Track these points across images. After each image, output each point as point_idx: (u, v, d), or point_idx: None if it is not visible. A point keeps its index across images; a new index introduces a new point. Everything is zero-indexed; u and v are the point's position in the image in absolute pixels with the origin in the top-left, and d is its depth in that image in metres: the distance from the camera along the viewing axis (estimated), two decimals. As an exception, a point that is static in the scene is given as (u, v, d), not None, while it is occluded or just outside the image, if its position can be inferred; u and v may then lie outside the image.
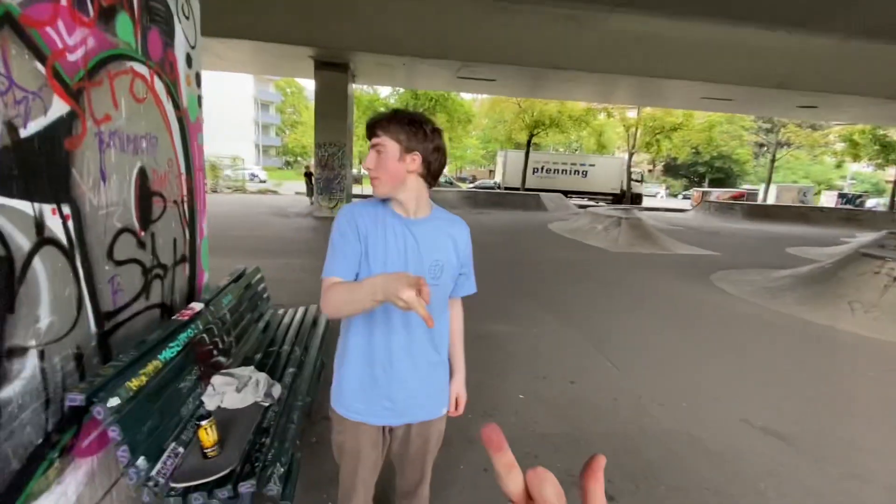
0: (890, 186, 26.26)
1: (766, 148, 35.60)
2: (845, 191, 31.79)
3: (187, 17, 2.33)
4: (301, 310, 3.40)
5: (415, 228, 1.24)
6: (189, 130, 2.42)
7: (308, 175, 16.59)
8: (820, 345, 4.44)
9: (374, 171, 1.18)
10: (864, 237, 11.05)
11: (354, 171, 19.08)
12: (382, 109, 1.29)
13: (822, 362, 3.99)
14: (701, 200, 24.08)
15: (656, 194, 35.84)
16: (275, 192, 21.42)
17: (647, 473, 2.34)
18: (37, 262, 1.36)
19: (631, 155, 25.30)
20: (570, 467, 2.33)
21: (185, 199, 2.42)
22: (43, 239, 1.39)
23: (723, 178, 42.02)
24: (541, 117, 23.10)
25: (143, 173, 1.95)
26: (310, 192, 16.05)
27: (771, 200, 27.47)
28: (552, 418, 2.82)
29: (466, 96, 25.55)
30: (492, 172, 38.07)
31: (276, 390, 2.09)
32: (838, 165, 34.83)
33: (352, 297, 1.06)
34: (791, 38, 9.53)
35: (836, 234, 14.64)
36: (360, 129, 21.48)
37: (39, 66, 1.34)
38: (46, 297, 1.41)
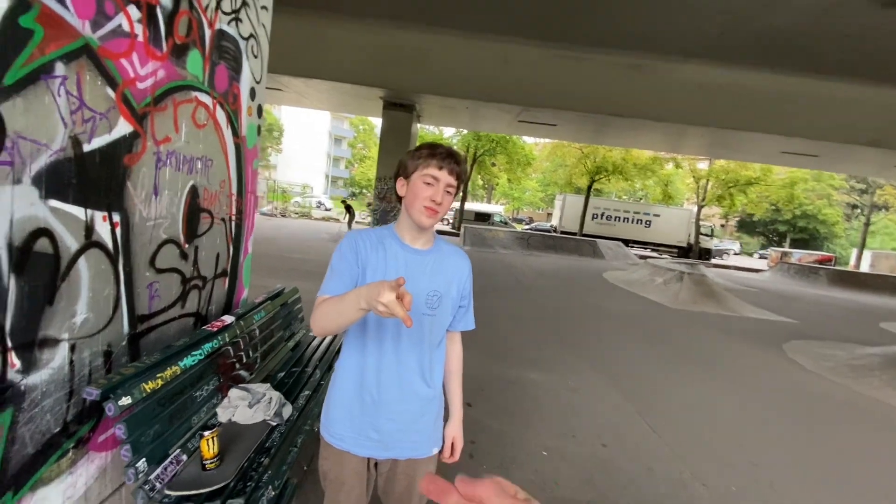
0: None
1: (859, 209, 32.35)
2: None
3: (255, 56, 2.58)
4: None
5: (417, 257, 1.25)
6: (245, 156, 2.63)
7: (347, 206, 17.93)
8: (915, 440, 3.77)
9: (439, 207, 1.18)
10: (983, 319, 9.49)
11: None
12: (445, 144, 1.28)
13: (916, 461, 3.37)
14: (779, 261, 22.10)
15: (729, 252, 33.31)
16: (337, 220, 22.59)
17: (678, 563, 2.04)
18: (81, 262, 1.50)
19: (700, 208, 24.00)
20: (586, 541, 2.09)
21: (234, 217, 2.59)
22: (90, 242, 1.53)
23: (807, 239, 38.43)
24: (603, 163, 22.77)
25: (194, 191, 2.13)
26: (349, 224, 17.41)
27: (864, 268, 24.61)
28: (576, 482, 2.58)
29: (528, 139, 25.88)
30: (549, 216, 37.69)
31: (287, 411, 2.10)
32: (950, 234, 30.68)
33: (337, 308, 1.05)
34: (887, 92, 8.76)
35: (946, 311, 12.72)
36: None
37: (110, 91, 1.53)
38: (85, 294, 1.54)
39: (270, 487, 1.61)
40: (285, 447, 1.86)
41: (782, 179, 23.14)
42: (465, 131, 22.42)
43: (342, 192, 47.35)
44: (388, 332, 1.22)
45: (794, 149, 12.34)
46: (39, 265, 1.34)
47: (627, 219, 25.00)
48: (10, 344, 1.28)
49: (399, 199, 1.26)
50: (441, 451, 1.41)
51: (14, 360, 1.30)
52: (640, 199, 35.77)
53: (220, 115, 2.28)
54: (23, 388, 1.35)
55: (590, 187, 23.95)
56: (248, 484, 1.61)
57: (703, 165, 23.71)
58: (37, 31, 1.24)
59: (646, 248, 24.36)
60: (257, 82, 2.65)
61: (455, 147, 21.98)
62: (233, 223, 2.59)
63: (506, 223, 26.02)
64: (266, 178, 25.65)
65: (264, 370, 2.56)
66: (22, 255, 1.28)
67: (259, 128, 2.78)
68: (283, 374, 2.63)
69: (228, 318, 2.31)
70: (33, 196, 1.29)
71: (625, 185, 28.10)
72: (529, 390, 3.79)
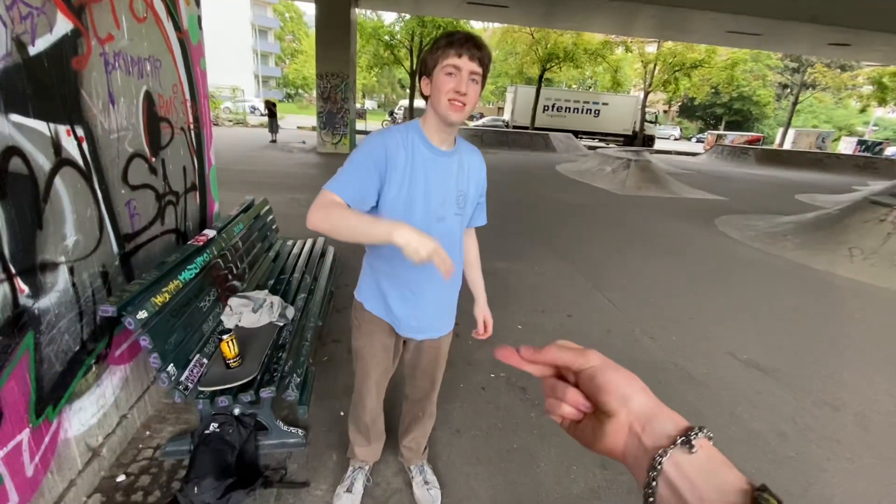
0: (914, 133, 25.26)
1: (789, 89, 33.85)
2: (866, 137, 30.56)
3: (182, -73, 2.18)
4: (309, 242, 3.49)
5: (444, 159, 1.25)
6: (191, 54, 2.36)
7: (270, 108, 14.82)
8: (813, 288, 4.55)
9: (465, 99, 1.12)
10: (877, 185, 10.84)
11: (358, 105, 18.46)
12: (465, 30, 1.16)
13: (812, 304, 4.12)
14: (714, 144, 23.36)
15: (670, 136, 34.56)
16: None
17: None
18: (58, 182, 1.42)
19: (647, 94, 24.17)
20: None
21: (192, 126, 2.41)
22: (61, 160, 1.43)
23: (740, 121, 40.35)
24: (555, 49, 21.80)
25: (149, 98, 1.95)
26: (271, 128, 14.60)
27: (788, 146, 26.61)
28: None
29: (477, 25, 23.99)
30: (500, 109, 36.71)
31: (290, 312, 2.22)
32: (863, 110, 33.15)
33: (361, 228, 1.02)
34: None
35: (849, 181, 14.36)
36: (362, 60, 20.48)
37: (39, -22, 1.31)
38: (70, 216, 1.48)
39: (295, 375, 1.79)
40: (298, 342, 2.02)
41: (724, 61, 23.39)
42: (408, 17, 20.34)
43: (276, 93, 43.00)
44: (425, 231, 1.27)
45: (739, 27, 12.35)
46: (19, 187, 1.27)
47: (577, 109, 24.89)
48: (13, 270, 1.26)
49: (426, 97, 1.20)
50: (474, 330, 1.59)
51: (21, 285, 1.29)
52: (590, 87, 35.31)
53: (158, 6, 2.00)
54: (36, 311, 1.35)
55: (541, 77, 23.19)
56: (275, 375, 1.78)
57: (651, 49, 23.33)
58: None
59: (594, 139, 24.76)
60: (189, -38, 2.28)
61: (396, 36, 19.72)
62: (192, 132, 2.42)
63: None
64: (186, 81, 22.53)
65: (254, 280, 2.62)
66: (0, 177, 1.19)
67: (199, 19, 2.46)
68: (272, 281, 2.70)
69: (211, 232, 2.29)
70: (-8, 110, 1.17)
71: (575, 73, 27.41)
72: (500, 277, 4.13)
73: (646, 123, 24.34)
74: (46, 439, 1.41)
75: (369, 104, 41.78)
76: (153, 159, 2.01)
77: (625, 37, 21.39)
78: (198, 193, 2.52)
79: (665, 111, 42.67)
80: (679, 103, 39.98)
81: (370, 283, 1.41)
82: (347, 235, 1.03)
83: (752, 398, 2.60)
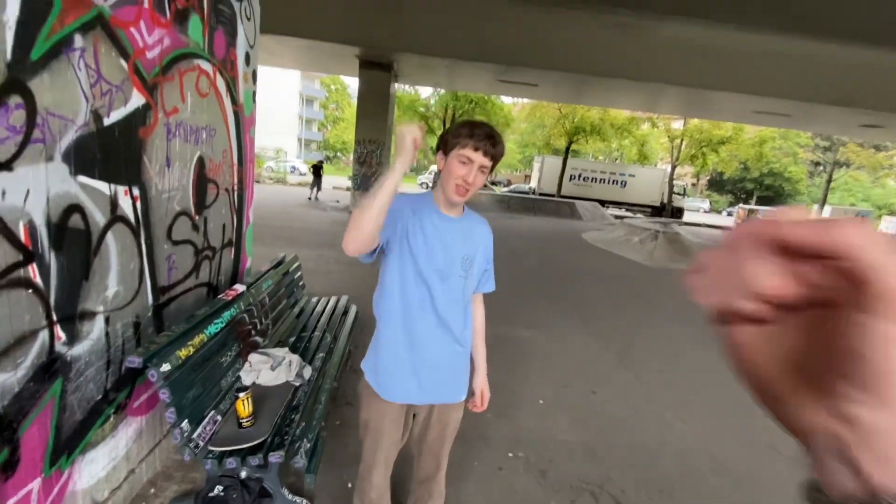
0: (961, 215, 24.26)
1: (822, 167, 33.67)
2: (909, 217, 29.48)
3: (249, 19, 2.50)
4: (333, 299, 3.54)
5: (452, 225, 1.35)
6: (243, 124, 2.59)
7: (316, 169, 15.98)
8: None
9: (470, 186, 1.25)
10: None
11: (391, 168, 19.45)
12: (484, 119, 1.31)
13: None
14: (745, 217, 23.06)
15: (699, 209, 34.44)
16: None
17: (664, 488, 2.32)
18: (109, 237, 1.53)
19: (674, 167, 24.51)
20: (584, 474, 2.34)
21: (236, 188, 2.59)
22: (115, 217, 1.55)
23: (772, 196, 39.98)
24: (581, 124, 22.76)
25: (201, 162, 2.12)
26: (313, 186, 15.64)
27: (824, 223, 25.89)
28: (571, 426, 2.83)
29: (507, 99, 25.50)
30: (528, 177, 37.80)
31: (307, 372, 2.22)
32: (903, 190, 32.43)
33: (374, 194, 1.09)
34: (858, 51, 9.01)
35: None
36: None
37: (123, 62, 1.51)
38: (115, 268, 1.58)
39: (305, 440, 1.74)
40: (312, 404, 1.99)
41: (752, 138, 23.73)
42: (443, 91, 21.89)
43: (316, 155, 45.92)
44: (428, 295, 1.32)
45: (765, 108, 12.65)
46: (74, 241, 1.37)
47: (604, 179, 25.36)
48: (55, 318, 1.33)
49: (439, 171, 1.32)
50: (470, 401, 1.56)
51: (60, 332, 1.35)
52: (616, 159, 36.19)
53: (220, 84, 2.24)
54: (69, 358, 1.41)
55: (568, 148, 24.02)
56: (285, 438, 1.74)
57: (677, 125, 24.00)
58: (56, 3, 1.21)
59: (621, 208, 24.92)
60: (251, 46, 2.58)
61: (431, 108, 21.06)
62: (235, 193, 2.59)
63: (485, 185, 26.04)
64: (236, 142, 24.51)
65: (276, 336, 2.65)
66: (59, 231, 1.30)
67: (254, 94, 2.73)
68: (293, 338, 2.72)
69: (240, 287, 2.36)
70: (64, 173, 1.31)
71: (601, 145, 28.31)
72: (522, 346, 4.02)
73: (674, 195, 24.44)
74: (55, 490, 1.40)
75: (402, 168, 43.85)
76: (196, 217, 2.15)
77: (651, 113, 22.17)
78: (233, 249, 2.64)
79: (693, 184, 42.88)
80: (708, 177, 40.21)
81: (372, 352, 1.44)
82: (371, 214, 1.09)
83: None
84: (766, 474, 2.54)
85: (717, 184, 44.04)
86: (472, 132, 1.22)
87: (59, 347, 1.36)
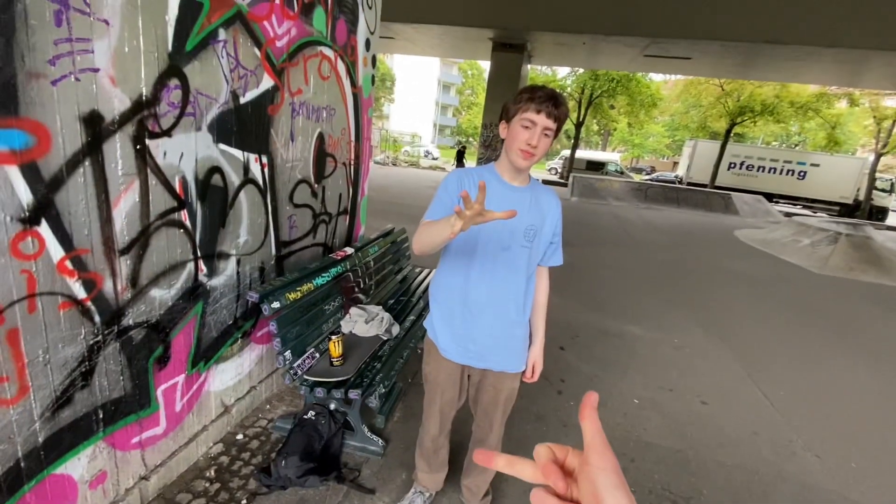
0: None
1: None
2: None
3: (370, 7, 2.74)
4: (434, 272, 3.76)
5: (515, 194, 1.35)
6: (362, 105, 2.88)
7: (460, 153, 16.95)
8: None
9: (535, 150, 1.24)
10: None
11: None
12: (545, 85, 1.29)
13: None
14: None
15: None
16: (443, 169, 23.11)
17: (769, 522, 1.99)
18: (242, 195, 1.89)
19: (879, 156, 19.39)
20: (668, 482, 2.14)
21: (353, 162, 2.91)
22: (247, 179, 1.91)
23: None
24: (750, 102, 19.32)
25: (321, 138, 2.45)
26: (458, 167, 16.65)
27: None
28: (664, 430, 2.58)
29: (656, 76, 22.98)
30: (675, 164, 33.76)
31: (395, 329, 2.44)
32: None
33: (434, 228, 1.15)
34: None
35: None
36: (532, 112, 21.38)
37: (257, 50, 1.82)
38: (246, 221, 1.95)
39: (381, 385, 1.94)
40: (393, 357, 2.20)
41: None
42: (581, 70, 20.65)
43: (448, 140, 47.70)
44: (489, 258, 1.36)
45: None
46: (215, 195, 1.74)
47: (775, 169, 21.24)
48: (199, 254, 1.71)
49: (502, 140, 1.34)
50: (524, 372, 1.57)
51: (202, 266, 1.74)
52: (796, 145, 29.98)
53: (341, 67, 2.53)
54: (208, 287, 1.80)
55: (728, 131, 20.68)
56: (365, 380, 1.97)
57: (890, 102, 18.79)
58: (205, 3, 1.52)
59: (796, 204, 20.70)
60: (371, 33, 2.84)
61: (566, 89, 20.14)
62: (351, 167, 2.91)
63: (622, 172, 23.89)
64: (379, 128, 26.91)
65: (377, 296, 2.94)
66: (203, 187, 1.67)
67: (373, 77, 3.00)
68: (392, 300, 2.99)
69: (349, 250, 2.68)
70: (209, 140, 1.66)
71: (776, 128, 23.70)
72: (628, 342, 3.74)
73: (875, 192, 19.40)
74: (195, 386, 1.84)
75: (533, 153, 43.05)
76: (315, 186, 2.49)
77: (850, 88, 17.77)
78: (348, 217, 2.99)
79: (911, 178, 33.30)
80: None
81: (433, 312, 1.52)
82: (434, 241, 1.17)
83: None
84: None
85: (951, 178, 33.44)
86: (532, 95, 1.21)
87: (201, 278, 1.75)
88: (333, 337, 2.01)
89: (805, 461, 2.46)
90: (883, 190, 19.72)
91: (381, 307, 2.61)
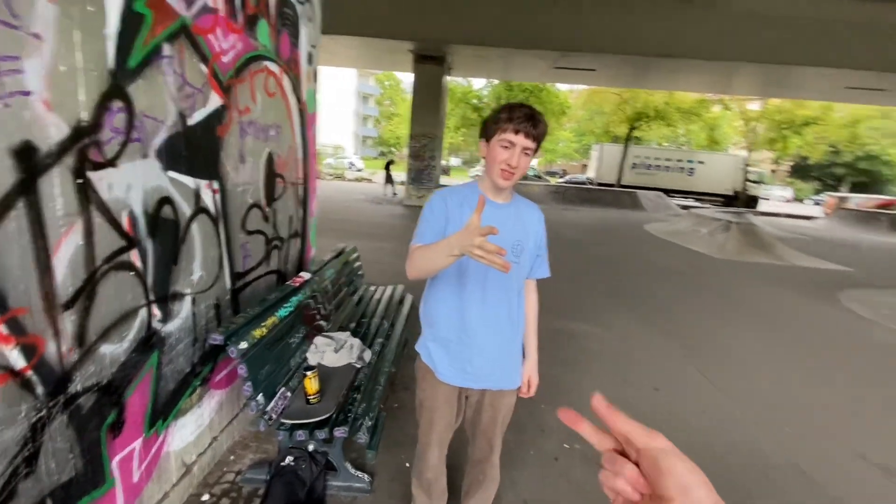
0: None
1: (932, 147, 29.44)
2: None
3: (311, 20, 2.62)
4: (390, 288, 3.66)
5: (500, 211, 1.35)
6: (307, 121, 2.74)
7: (388, 166, 16.76)
8: (980, 385, 3.69)
9: (515, 170, 1.25)
10: None
11: (443, 162, 19.57)
12: (519, 103, 1.28)
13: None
14: (836, 207, 20.74)
15: (780, 198, 31.16)
16: (369, 181, 22.78)
17: (734, 497, 2.19)
18: (194, 227, 1.69)
19: (749, 152, 22.55)
20: (644, 471, 2.27)
21: (301, 181, 2.75)
22: (199, 208, 1.71)
23: (867, 182, 35.58)
24: (644, 109, 21.58)
25: (270, 158, 2.28)
26: (388, 181, 16.35)
27: (933, 211, 22.70)
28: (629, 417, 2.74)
29: (562, 87, 24.71)
30: (584, 167, 36.47)
31: (368, 355, 2.32)
32: None
33: (428, 255, 1.14)
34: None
35: None
36: (451, 121, 21.89)
37: (203, 67, 1.65)
38: (199, 255, 1.74)
39: (367, 418, 1.83)
40: (372, 385, 2.09)
41: (843, 118, 21.28)
42: (497, 82, 21.62)
43: (371, 151, 47.25)
44: (479, 279, 1.34)
45: (858, 83, 11.27)
46: (166, 229, 1.54)
47: (669, 167, 23.83)
48: (151, 297, 1.49)
49: (483, 157, 1.33)
50: (519, 388, 1.57)
51: (156, 311, 1.52)
52: (683, 145, 33.93)
53: (286, 83, 2.38)
54: (163, 334, 1.58)
55: (628, 135, 22.87)
56: (349, 415, 1.84)
57: (753, 106, 22.05)
58: (147, 15, 1.35)
59: (688, 198, 23.35)
60: (313, 46, 2.71)
61: (483, 99, 20.84)
62: (300, 187, 2.75)
63: (539, 177, 25.42)
64: (299, 140, 25.82)
65: (338, 321, 2.79)
66: (153, 221, 1.46)
67: (315, 93, 2.86)
68: (353, 324, 2.86)
69: (306, 275, 2.52)
70: (157, 168, 1.46)
71: (667, 131, 26.65)
72: (580, 341, 3.93)
73: (749, 183, 22.53)
74: (153, 450, 1.59)
75: (455, 161, 44.03)
76: (267, 209, 2.31)
77: (723, 95, 20.53)
78: (299, 240, 2.81)
79: (773, 171, 39.21)
80: (790, 163, 36.57)
81: (426, 336, 1.48)
82: (431, 267, 1.18)
83: (895, 516, 2.11)
84: (854, 484, 2.31)
85: (800, 170, 39.95)
86: (510, 115, 1.21)
87: (155, 324, 1.53)
88: (308, 373, 1.86)
89: (749, 431, 2.74)
90: (754, 181, 22.97)
91: (348, 333, 2.47)
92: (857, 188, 34.16)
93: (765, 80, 12.76)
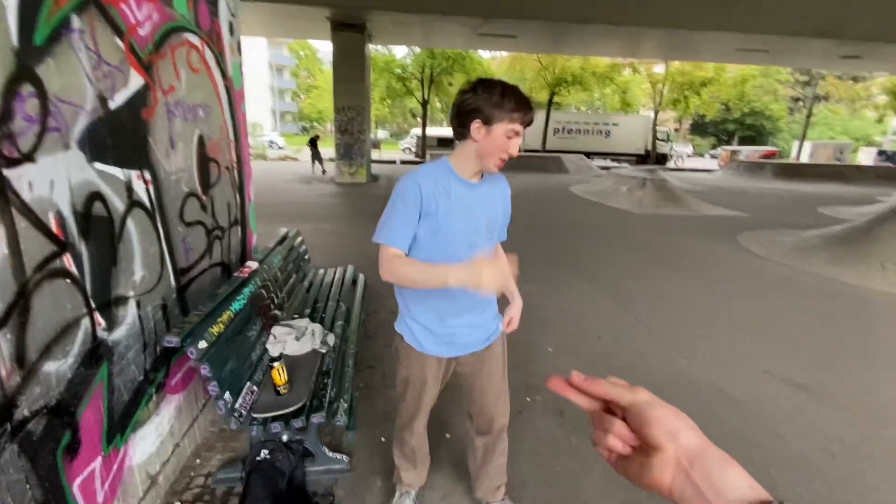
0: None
1: (801, 103, 33.70)
2: (885, 147, 29.96)
3: (229, -15, 2.38)
4: (339, 270, 3.59)
5: (474, 191, 1.34)
6: (235, 98, 2.53)
7: (313, 142, 15.43)
8: (846, 302, 4.45)
9: (509, 158, 1.25)
10: (903, 195, 10.60)
11: (371, 135, 18.96)
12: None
13: (847, 318, 4.03)
14: (730, 160, 23.20)
15: (682, 154, 34.25)
16: (294, 159, 21.57)
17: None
18: (129, 223, 1.54)
19: (657, 113, 24.34)
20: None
21: (235, 165, 2.56)
22: (133, 202, 1.55)
23: (754, 136, 40.09)
24: (563, 74, 22.30)
25: (201, 141, 2.09)
26: (314, 159, 15.21)
27: (805, 159, 26.27)
28: (582, 370, 2.97)
29: (485, 54, 24.73)
30: (511, 134, 37.18)
31: (331, 339, 2.29)
32: (879, 120, 32.73)
33: (422, 278, 1.19)
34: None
35: (872, 192, 14.06)
36: (375, 93, 21.13)
37: (119, 41, 1.46)
38: (139, 253, 1.59)
39: (342, 401, 1.83)
40: (341, 368, 2.08)
41: (733, 78, 23.58)
42: (419, 50, 21.09)
43: (292, 127, 44.47)
44: (462, 257, 1.35)
45: (746, 45, 12.50)
46: (100, 229, 1.38)
47: (588, 130, 25.12)
48: (93, 305, 1.35)
49: (463, 134, 1.27)
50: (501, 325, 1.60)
51: (99, 319, 1.39)
52: (598, 109, 35.72)
53: (209, 57, 2.17)
54: (110, 343, 1.45)
55: (550, 101, 23.62)
56: (322, 401, 1.83)
57: (659, 69, 23.66)
58: (48, -19, 1.16)
59: (606, 159, 24.88)
60: (233, 16, 2.48)
61: (407, 69, 20.28)
62: (235, 171, 2.56)
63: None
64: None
65: (292, 309, 2.70)
66: (84, 219, 1.31)
67: (240, 66, 2.64)
68: (308, 310, 2.78)
69: (253, 264, 2.39)
70: (81, 160, 1.30)
71: (584, 95, 27.85)
72: (527, 299, 4.10)
73: (658, 142, 24.40)
74: (115, 467, 1.48)
75: (382, 134, 42.88)
76: (204, 197, 2.14)
77: (632, 59, 21.77)
78: (240, 227, 2.64)
79: (676, 129, 42.74)
80: (690, 121, 40.03)
81: (405, 317, 1.47)
82: (422, 287, 1.25)
83: (794, 417, 2.54)
84: (763, 396, 2.73)
85: (699, 127, 43.94)
86: (518, 105, 1.18)
87: (101, 333, 1.39)
88: (275, 363, 1.80)
89: (679, 364, 3.11)
90: (662, 140, 24.93)
91: (307, 320, 2.41)
92: (745, 142, 38.39)
93: (668, 45, 13.72)
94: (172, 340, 1.56)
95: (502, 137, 1.21)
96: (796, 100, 36.20)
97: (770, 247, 6.59)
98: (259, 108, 39.83)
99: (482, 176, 1.38)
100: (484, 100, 1.19)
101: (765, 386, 2.86)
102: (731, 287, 4.83)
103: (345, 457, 1.98)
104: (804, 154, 27.17)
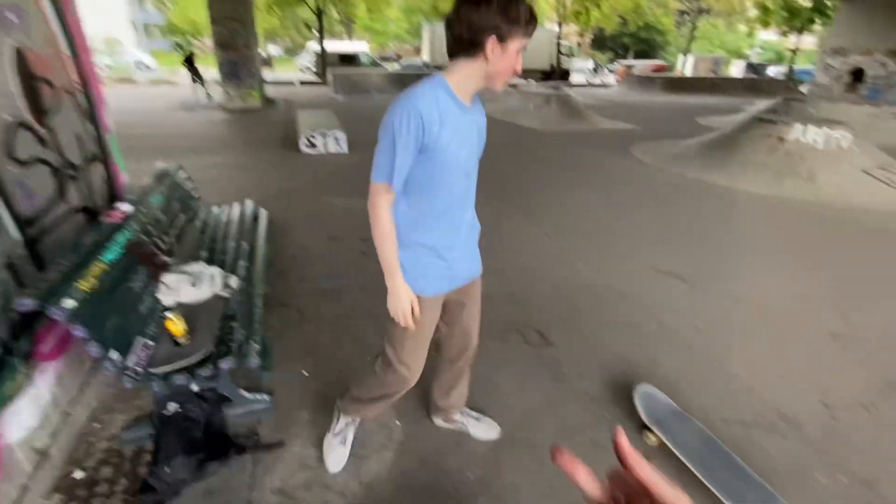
0: (790, 54, 27.89)
1: (687, 16, 35.58)
2: (752, 60, 33.31)
3: None
4: (237, 207, 3.27)
5: (468, 116, 1.23)
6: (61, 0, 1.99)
7: (189, 60, 12.74)
8: (717, 201, 5.13)
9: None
10: (762, 104, 12.04)
11: (261, 51, 16.66)
12: None
13: (716, 215, 4.67)
14: (625, 75, 24.31)
15: (583, 69, 35.02)
16: (171, 83, 18.46)
17: (576, 315, 2.79)
18: (-73, 164, 1.20)
19: (560, 26, 24.27)
20: (510, 316, 2.70)
21: (79, 87, 2.09)
22: (-76, 136, 1.20)
23: (647, 50, 42.08)
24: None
25: (20, 55, 1.64)
26: (195, 79, 12.67)
27: (688, 72, 28.37)
28: (497, 282, 3.13)
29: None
30: (418, 50, 35.16)
31: (234, 281, 2.13)
32: (749, 34, 35.95)
33: (382, 255, 1.28)
34: None
35: (740, 103, 15.79)
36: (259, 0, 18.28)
37: None
38: (-48, 203, 1.27)
39: (253, 343, 1.75)
40: (248, 311, 1.96)
41: (630, -11, 24.01)
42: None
43: (161, 44, 37.43)
44: (459, 187, 1.29)
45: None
46: None
47: (495, 46, 24.43)
48: None
49: (470, 52, 1.11)
50: None
51: (-89, 287, 1.11)
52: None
53: (4, -64, 1.63)
54: (-62, 315, 1.19)
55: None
56: (231, 346, 1.73)
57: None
58: None
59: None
60: None
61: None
62: (79, 94, 2.10)
63: (375, 64, 23.67)
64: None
65: (185, 253, 2.44)
66: None
67: (59, -46, 2.05)
68: (204, 252, 2.54)
69: (126, 207, 2.07)
70: None
71: (490, 6, 26.59)
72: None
73: (562, 57, 24.62)
74: (-15, 449, 1.30)
75: (275, 51, 38.02)
76: (41, 128, 1.73)
77: (536, -34, 20.95)
78: (101, 164, 2.23)
79: (578, 44, 43.29)
80: (591, 36, 40.65)
81: (417, 257, 1.35)
82: (376, 247, 1.28)
83: (672, 303, 2.96)
84: (648, 288, 3.14)
85: (599, 42, 44.90)
86: (531, 17, 1.09)
87: (-81, 304, 1.13)
88: (169, 314, 1.64)
89: (578, 267, 3.42)
90: (565, 55, 25.18)
91: (202, 263, 2.19)
92: (639, 55, 40.24)
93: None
94: (27, 303, 1.33)
95: (514, 55, 1.12)
96: (683, 13, 38.09)
97: (656, 156, 7.23)
98: (113, 18, 32.70)
99: (472, 99, 1.26)
100: (500, 14, 1.05)
101: (650, 280, 3.27)
102: (625, 195, 5.29)
103: (266, 396, 1.94)
104: (688, 67, 29.28)
